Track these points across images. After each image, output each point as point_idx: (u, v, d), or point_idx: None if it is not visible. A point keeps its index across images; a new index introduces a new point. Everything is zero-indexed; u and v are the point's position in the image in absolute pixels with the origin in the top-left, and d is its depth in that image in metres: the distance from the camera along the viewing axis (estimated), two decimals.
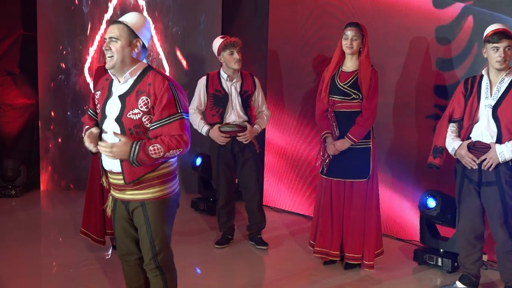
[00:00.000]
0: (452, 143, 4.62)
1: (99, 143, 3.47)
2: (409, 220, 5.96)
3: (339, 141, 5.04)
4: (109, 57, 3.53)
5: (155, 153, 3.39)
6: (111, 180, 3.72)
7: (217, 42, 5.56)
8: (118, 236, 3.88)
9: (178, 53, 7.45)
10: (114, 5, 7.54)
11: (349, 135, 5.00)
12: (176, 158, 3.69)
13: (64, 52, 7.60)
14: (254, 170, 5.66)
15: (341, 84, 5.04)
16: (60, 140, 7.71)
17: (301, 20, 6.78)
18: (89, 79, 7.61)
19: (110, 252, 5.64)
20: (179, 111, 3.47)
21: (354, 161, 5.09)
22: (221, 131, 5.47)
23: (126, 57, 3.54)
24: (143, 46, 3.60)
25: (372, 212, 5.10)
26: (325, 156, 5.18)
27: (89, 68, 7.61)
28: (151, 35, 3.73)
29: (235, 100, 5.53)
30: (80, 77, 7.63)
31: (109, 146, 3.39)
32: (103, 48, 3.56)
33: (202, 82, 5.63)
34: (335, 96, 5.06)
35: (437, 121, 5.26)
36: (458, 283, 4.79)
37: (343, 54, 5.09)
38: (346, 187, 5.12)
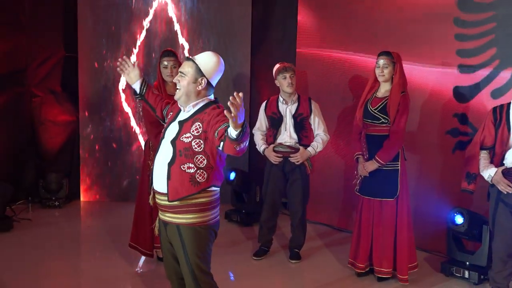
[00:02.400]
0: (488, 170, 4.57)
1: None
2: (435, 233, 5.95)
3: (368, 162, 5.07)
4: (177, 89, 3.67)
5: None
6: (157, 199, 3.76)
7: (275, 67, 5.59)
8: (164, 256, 3.92)
9: None
10: (147, 28, 7.61)
11: (377, 158, 5.00)
12: (218, 192, 3.73)
13: (102, 72, 7.64)
14: (300, 191, 5.63)
15: (372, 109, 5.05)
16: (98, 154, 7.75)
17: (329, 41, 6.77)
18: (123, 98, 7.68)
19: (137, 266, 5.66)
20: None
21: (382, 181, 5.09)
22: (275, 151, 5.50)
23: (191, 92, 3.64)
24: (209, 83, 3.67)
25: (403, 229, 5.07)
26: (357, 176, 5.20)
27: (124, 87, 7.68)
28: (221, 75, 3.80)
29: (289, 122, 5.53)
30: (117, 95, 7.70)
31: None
32: (174, 79, 3.70)
33: (262, 105, 5.75)
34: (368, 120, 5.07)
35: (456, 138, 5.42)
36: None
37: (377, 81, 5.08)
38: (376, 205, 5.12)
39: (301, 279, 5.50)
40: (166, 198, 3.63)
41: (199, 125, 3.60)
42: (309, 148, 5.50)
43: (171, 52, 5.40)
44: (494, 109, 4.63)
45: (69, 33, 7.66)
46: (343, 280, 5.34)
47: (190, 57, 3.72)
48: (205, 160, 3.60)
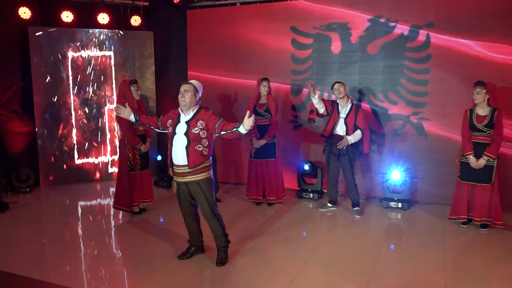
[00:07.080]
0: (318, 105, 6.35)
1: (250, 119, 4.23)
2: (290, 175, 7.89)
3: (260, 140, 6.80)
4: (183, 100, 4.47)
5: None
6: (176, 170, 4.52)
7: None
8: (182, 204, 4.74)
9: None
10: (88, 63, 8.29)
11: (266, 137, 6.79)
12: (211, 156, 4.57)
13: (51, 94, 8.24)
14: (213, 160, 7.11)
15: (260, 110, 6.87)
16: (50, 152, 8.40)
17: (211, 70, 8.31)
18: (71, 111, 8.38)
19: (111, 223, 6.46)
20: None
21: (268, 150, 6.83)
22: None
23: (192, 101, 4.51)
24: (199, 97, 4.58)
25: (279, 175, 7.04)
26: (252, 148, 6.94)
27: (70, 104, 8.35)
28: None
29: None
30: (65, 110, 8.38)
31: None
32: (179, 96, 4.46)
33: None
34: (258, 117, 6.83)
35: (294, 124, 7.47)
36: (328, 204, 6.91)
37: (259, 94, 6.88)
38: (264, 164, 6.94)
39: (226, 211, 6.53)
40: (187, 167, 4.46)
41: (202, 122, 4.43)
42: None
43: (136, 80, 6.43)
44: (332, 102, 6.48)
45: (24, 69, 8.09)
46: (248, 208, 6.92)
47: (189, 81, 4.57)
48: (207, 142, 4.49)
